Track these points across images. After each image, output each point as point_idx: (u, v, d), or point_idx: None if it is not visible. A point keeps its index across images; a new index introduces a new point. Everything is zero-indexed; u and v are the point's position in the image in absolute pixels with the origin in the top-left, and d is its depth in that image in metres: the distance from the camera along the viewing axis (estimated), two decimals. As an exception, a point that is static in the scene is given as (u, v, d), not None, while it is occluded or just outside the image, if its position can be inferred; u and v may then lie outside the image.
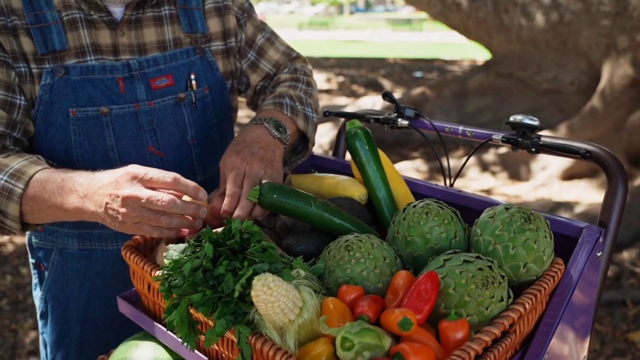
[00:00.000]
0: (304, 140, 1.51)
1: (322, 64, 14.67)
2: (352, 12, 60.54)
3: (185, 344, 0.90)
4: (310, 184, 1.29)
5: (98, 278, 1.47)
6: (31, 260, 1.56)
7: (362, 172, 1.20)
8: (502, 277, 0.91)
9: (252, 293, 0.80)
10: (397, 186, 1.23)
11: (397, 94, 7.82)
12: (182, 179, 1.07)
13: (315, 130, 1.53)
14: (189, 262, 0.88)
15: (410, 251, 1.01)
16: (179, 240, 1.11)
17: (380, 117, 1.44)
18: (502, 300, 0.89)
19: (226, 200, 1.17)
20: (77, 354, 1.50)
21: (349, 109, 1.52)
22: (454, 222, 1.02)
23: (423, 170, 5.71)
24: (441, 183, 1.35)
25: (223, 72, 1.51)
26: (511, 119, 1.23)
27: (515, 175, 5.69)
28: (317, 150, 6.07)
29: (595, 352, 3.11)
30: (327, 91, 10.54)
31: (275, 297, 0.81)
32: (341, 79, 11.67)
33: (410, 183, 1.29)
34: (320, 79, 11.96)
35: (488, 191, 5.41)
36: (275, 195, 1.08)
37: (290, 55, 1.66)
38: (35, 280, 1.57)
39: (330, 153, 1.62)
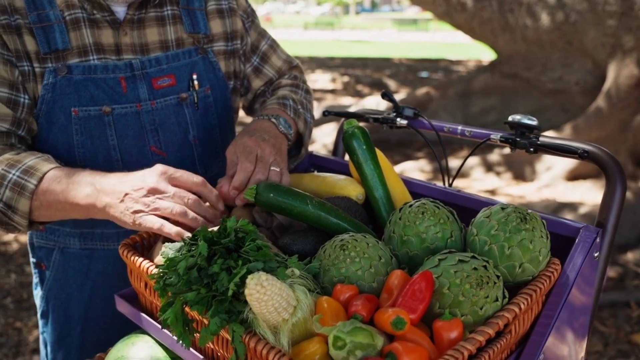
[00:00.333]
0: (298, 145, 1.54)
1: (328, 64, 14.67)
2: (358, 12, 60.50)
3: (180, 342, 0.91)
4: (307, 183, 1.29)
5: (99, 277, 1.48)
6: (32, 260, 1.57)
7: (360, 172, 1.20)
8: (497, 277, 0.91)
9: (246, 292, 0.80)
10: (395, 186, 1.23)
11: (402, 94, 7.80)
12: (209, 185, 1.13)
13: (310, 135, 1.56)
14: (183, 261, 0.88)
15: (406, 251, 1.01)
16: None
17: (379, 116, 1.44)
18: (497, 300, 0.89)
19: (237, 176, 1.18)
20: (78, 353, 1.51)
21: (352, 109, 1.53)
22: (450, 222, 1.02)
23: (427, 170, 5.70)
24: (442, 183, 1.35)
25: (225, 73, 1.51)
26: (510, 118, 1.23)
27: (520, 175, 5.67)
28: (321, 150, 6.09)
29: (599, 354, 3.10)
30: (332, 91, 10.54)
31: (269, 296, 0.81)
32: (346, 79, 11.67)
33: (407, 182, 1.29)
34: (325, 79, 11.96)
35: (492, 191, 5.39)
36: (271, 194, 1.08)
37: (291, 64, 1.69)
38: (36, 279, 1.57)
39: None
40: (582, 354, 1.13)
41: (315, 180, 1.30)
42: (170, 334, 0.98)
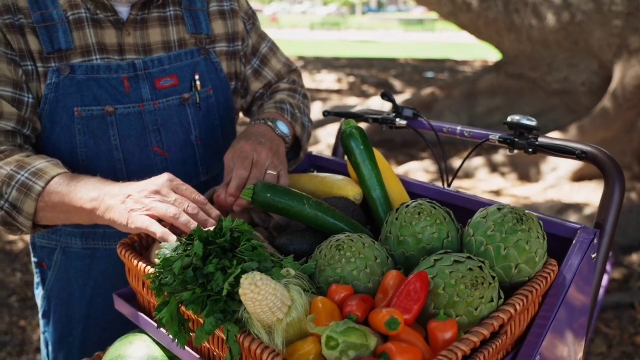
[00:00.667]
0: (296, 148, 1.55)
1: (333, 64, 14.67)
2: (364, 12, 60.47)
3: (176, 341, 0.91)
4: (305, 183, 1.30)
5: (101, 277, 1.49)
6: (33, 259, 1.57)
7: (357, 172, 1.20)
8: (493, 277, 0.91)
9: (240, 291, 0.80)
10: (392, 186, 1.23)
11: (407, 95, 7.79)
12: (210, 205, 1.13)
13: (308, 140, 1.57)
14: (179, 260, 0.88)
15: (402, 251, 1.01)
16: None
17: (379, 117, 1.44)
18: (492, 300, 0.89)
19: (232, 183, 1.19)
20: (80, 353, 1.51)
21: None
22: (446, 222, 1.01)
23: (431, 170, 5.69)
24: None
25: (227, 73, 1.52)
26: (509, 119, 1.23)
27: (525, 176, 5.65)
28: (325, 149, 6.08)
29: (602, 355, 3.09)
30: (337, 91, 10.53)
31: (263, 296, 0.81)
32: (352, 79, 11.66)
33: (405, 183, 1.29)
34: (330, 79, 11.96)
35: (497, 192, 5.38)
36: (268, 194, 1.08)
37: (290, 67, 1.70)
38: (37, 279, 1.58)
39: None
40: (580, 354, 1.13)
41: (313, 180, 1.30)
42: (167, 333, 0.98)
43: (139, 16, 1.38)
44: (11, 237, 4.58)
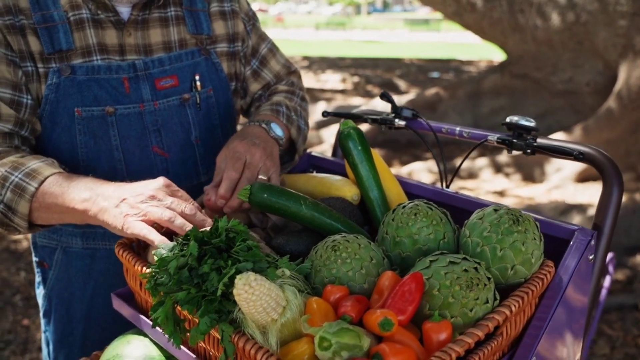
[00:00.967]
0: (291, 151, 1.55)
1: (338, 64, 14.66)
2: (370, 12, 60.43)
3: (171, 341, 0.91)
4: (303, 184, 1.30)
5: (101, 277, 1.49)
6: (34, 259, 1.58)
7: (355, 173, 1.20)
8: (488, 279, 0.90)
9: (234, 291, 0.80)
10: (390, 186, 1.23)
11: (412, 95, 7.78)
12: (203, 212, 1.12)
13: (304, 142, 1.57)
14: (174, 260, 0.89)
15: (399, 252, 1.01)
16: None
17: (378, 117, 1.44)
18: (487, 302, 0.89)
19: (223, 184, 1.19)
20: (81, 352, 1.52)
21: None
22: (443, 223, 1.01)
23: (435, 171, 5.68)
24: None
25: (227, 74, 1.52)
26: (507, 119, 1.23)
27: (529, 176, 5.64)
28: (329, 150, 6.08)
29: (605, 357, 3.07)
30: (342, 91, 10.53)
31: (257, 296, 0.81)
32: (356, 79, 11.66)
33: (404, 183, 1.29)
34: (335, 79, 11.96)
35: (501, 193, 5.36)
36: (265, 195, 1.08)
37: (290, 69, 1.70)
38: (38, 278, 1.58)
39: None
40: (578, 355, 1.13)
41: (311, 180, 1.30)
42: (163, 333, 0.99)
43: (140, 17, 1.38)
44: (15, 236, 4.60)
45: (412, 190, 1.29)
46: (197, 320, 0.88)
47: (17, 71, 1.30)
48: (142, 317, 1.10)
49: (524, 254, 0.94)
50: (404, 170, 5.85)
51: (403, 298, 0.86)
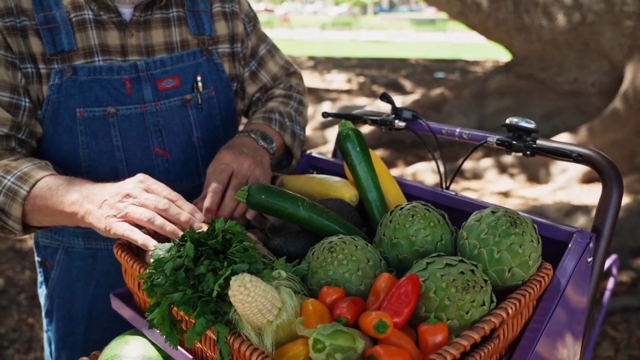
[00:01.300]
0: (289, 155, 1.55)
1: (344, 64, 14.66)
2: (376, 12, 60.37)
3: (168, 342, 0.92)
4: (302, 185, 1.30)
5: (103, 277, 1.49)
6: (37, 259, 1.59)
7: (353, 174, 1.20)
8: (485, 281, 0.90)
9: (230, 293, 0.80)
10: (389, 188, 1.23)
11: (417, 95, 7.77)
12: (182, 200, 1.12)
13: (300, 147, 1.57)
14: (170, 261, 0.89)
15: (396, 254, 1.01)
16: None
17: (378, 118, 1.44)
18: (483, 304, 0.88)
19: (207, 197, 1.20)
20: (82, 352, 1.52)
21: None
22: (440, 225, 1.01)
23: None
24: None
25: (229, 75, 1.52)
26: (507, 121, 1.22)
27: (534, 177, 5.62)
28: (331, 151, 6.08)
29: (609, 359, 3.06)
30: (347, 91, 10.53)
31: (253, 298, 0.81)
32: (362, 79, 11.65)
33: (403, 185, 1.29)
34: (341, 79, 11.96)
35: (505, 193, 5.35)
36: (263, 196, 1.08)
37: (288, 70, 1.69)
38: (40, 278, 1.59)
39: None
40: (577, 358, 1.12)
41: (310, 181, 1.30)
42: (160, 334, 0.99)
43: (142, 17, 1.38)
44: (19, 236, 4.63)
45: (411, 191, 1.28)
46: (193, 321, 0.88)
47: (16, 74, 1.31)
48: (141, 317, 1.10)
49: (521, 256, 0.94)
50: (408, 171, 5.85)
51: (399, 300, 0.86)
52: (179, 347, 0.99)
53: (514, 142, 1.19)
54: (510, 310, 0.88)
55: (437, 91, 7.24)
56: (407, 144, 6.84)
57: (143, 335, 1.12)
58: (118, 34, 1.36)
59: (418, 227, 1.00)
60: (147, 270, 0.93)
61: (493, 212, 0.98)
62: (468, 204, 1.20)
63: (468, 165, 5.88)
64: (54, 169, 1.31)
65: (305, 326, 0.83)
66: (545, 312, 0.98)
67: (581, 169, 5.20)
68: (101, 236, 1.45)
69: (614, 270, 2.57)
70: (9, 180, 1.22)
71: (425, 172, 5.63)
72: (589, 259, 1.04)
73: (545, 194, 5.20)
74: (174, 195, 1.12)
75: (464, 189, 5.53)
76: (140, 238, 1.05)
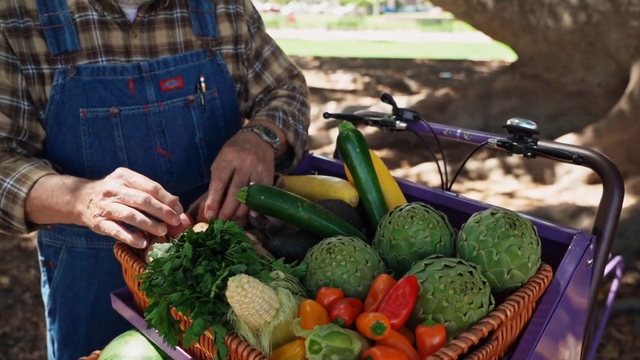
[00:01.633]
0: (291, 155, 1.55)
1: (349, 64, 14.65)
2: (382, 12, 60.29)
3: (166, 342, 0.92)
4: (302, 186, 1.30)
5: (105, 277, 1.50)
6: (40, 258, 1.59)
7: (353, 175, 1.20)
8: (484, 283, 0.90)
9: (227, 294, 0.81)
10: (389, 189, 1.22)
11: (422, 95, 7.76)
12: (163, 190, 1.13)
13: (302, 147, 1.57)
14: (169, 262, 0.89)
15: (395, 255, 1.00)
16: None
17: (379, 119, 1.44)
18: (482, 306, 0.88)
19: (209, 195, 1.20)
20: (84, 351, 1.53)
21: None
22: (439, 227, 1.01)
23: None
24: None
25: (232, 76, 1.52)
26: (508, 122, 1.22)
27: (539, 178, 5.60)
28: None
29: (613, 361, 3.04)
30: (352, 91, 10.52)
31: (250, 298, 0.81)
32: (367, 79, 11.64)
33: (403, 186, 1.29)
34: (346, 79, 11.96)
35: (510, 194, 5.33)
36: (262, 197, 1.08)
37: (292, 72, 1.69)
38: (44, 277, 1.60)
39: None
40: (577, 361, 1.12)
41: (310, 182, 1.30)
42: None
43: (146, 18, 1.39)
44: (27, 235, 4.65)
45: (411, 192, 1.28)
46: (191, 322, 0.88)
47: (16, 76, 1.32)
48: (140, 317, 1.10)
49: (520, 258, 0.94)
50: (412, 171, 5.84)
51: (397, 301, 0.86)
52: (178, 347, 1.00)
53: (514, 143, 1.19)
54: (508, 312, 0.88)
55: (442, 91, 7.23)
56: (411, 145, 6.83)
57: (143, 335, 1.12)
58: (122, 34, 1.37)
59: (417, 228, 0.99)
60: (146, 271, 0.94)
61: (492, 214, 0.98)
62: (469, 206, 1.19)
63: (473, 165, 5.87)
64: (52, 167, 1.33)
65: (303, 327, 0.83)
66: (544, 314, 0.97)
67: (587, 170, 5.18)
68: (103, 236, 1.47)
69: (618, 272, 2.56)
70: (8, 183, 1.25)
71: (430, 173, 5.63)
72: (589, 261, 1.04)
73: (550, 195, 5.18)
74: (153, 186, 1.12)
75: (468, 189, 5.52)
76: (128, 237, 1.07)
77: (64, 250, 1.51)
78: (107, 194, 1.11)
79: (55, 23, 1.32)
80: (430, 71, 13.01)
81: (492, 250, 0.94)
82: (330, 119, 7.04)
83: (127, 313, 1.15)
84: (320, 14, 62.99)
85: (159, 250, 0.97)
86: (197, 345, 0.99)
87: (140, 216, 1.07)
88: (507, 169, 5.75)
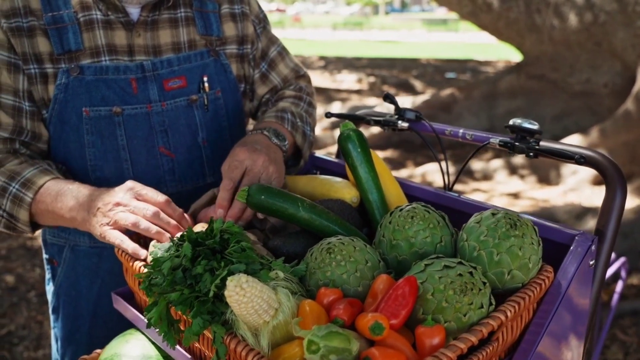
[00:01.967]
0: (297, 156, 1.55)
1: (354, 64, 14.64)
2: (388, 12, 60.22)
3: (165, 341, 0.92)
4: (304, 185, 1.30)
5: (108, 275, 1.50)
6: (45, 256, 1.60)
7: (354, 174, 1.20)
8: (484, 283, 0.89)
9: (226, 293, 0.81)
10: (390, 189, 1.22)
11: (427, 95, 7.74)
12: (173, 204, 1.18)
13: (310, 148, 1.58)
14: (168, 261, 0.89)
15: (395, 255, 1.00)
16: None
17: (381, 119, 1.43)
18: (482, 307, 0.88)
19: (220, 193, 1.20)
20: (87, 349, 1.53)
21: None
22: (440, 227, 1.01)
23: (451, 172, 5.64)
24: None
25: (236, 76, 1.52)
26: (510, 122, 1.21)
27: (545, 179, 5.57)
28: (343, 150, 6.08)
29: (618, 363, 3.03)
30: (358, 92, 10.52)
31: (249, 298, 0.81)
32: (372, 79, 11.63)
33: (405, 186, 1.28)
34: (351, 79, 11.95)
35: (515, 195, 5.31)
36: (263, 197, 1.08)
37: (298, 73, 1.69)
38: (48, 275, 1.61)
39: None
40: (579, 362, 1.11)
41: (312, 182, 1.30)
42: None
43: (150, 18, 1.39)
44: (31, 235, 4.67)
45: (413, 192, 1.28)
46: (190, 321, 0.88)
47: (17, 77, 1.33)
48: (141, 316, 1.10)
49: (521, 258, 0.93)
50: (417, 172, 5.83)
51: (396, 302, 0.86)
52: (178, 347, 1.00)
53: (516, 143, 1.19)
54: (509, 313, 0.87)
55: (447, 91, 7.21)
56: (416, 145, 6.82)
57: (143, 334, 1.12)
58: (125, 33, 1.37)
59: (417, 228, 0.99)
60: (146, 270, 0.94)
61: (493, 214, 0.97)
62: (471, 206, 1.19)
63: (478, 166, 5.86)
64: (56, 167, 1.36)
65: (302, 327, 0.83)
66: (545, 315, 0.97)
67: (593, 170, 5.14)
68: (106, 235, 1.48)
69: (623, 273, 2.55)
70: (13, 187, 1.28)
71: (435, 173, 5.62)
72: (591, 262, 1.03)
73: (555, 196, 5.16)
74: (163, 199, 1.17)
75: (473, 190, 5.51)
76: (130, 247, 1.11)
77: (68, 249, 1.52)
78: (117, 205, 1.15)
79: (59, 22, 1.33)
80: (435, 71, 12.98)
81: (493, 250, 0.93)
82: (336, 119, 7.04)
83: (127, 312, 1.15)
84: (325, 14, 62.97)
85: (159, 249, 0.97)
86: (196, 344, 0.99)
87: (145, 223, 1.12)
88: (512, 170, 5.73)
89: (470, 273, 0.89)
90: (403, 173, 5.99)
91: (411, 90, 10.32)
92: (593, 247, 1.02)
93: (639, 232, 3.92)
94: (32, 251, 4.39)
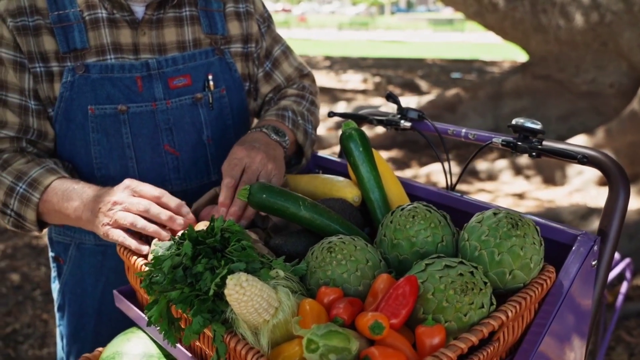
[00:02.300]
0: (299, 154, 1.55)
1: (360, 64, 14.64)
2: (393, 12, 60.16)
3: (166, 339, 0.92)
4: (305, 185, 1.30)
5: (112, 273, 1.51)
6: (50, 254, 1.61)
7: (356, 174, 1.20)
8: (485, 283, 0.89)
9: (225, 292, 0.81)
10: (392, 188, 1.22)
11: (432, 95, 7.73)
12: (168, 195, 1.19)
13: (311, 146, 1.58)
14: (168, 260, 0.89)
15: (396, 254, 1.00)
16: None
17: (384, 118, 1.43)
18: (482, 307, 0.87)
19: (221, 192, 1.21)
20: (92, 347, 1.54)
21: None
22: (441, 226, 1.00)
23: (454, 172, 5.62)
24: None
25: (241, 74, 1.53)
26: (513, 122, 1.21)
27: (550, 179, 5.55)
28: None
29: (623, 364, 3.01)
30: (363, 91, 10.51)
31: (249, 297, 0.81)
32: (378, 79, 11.62)
33: (407, 186, 1.28)
34: (356, 79, 11.94)
35: (520, 195, 5.29)
36: (264, 195, 1.08)
37: (302, 72, 1.69)
38: (54, 273, 1.62)
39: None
40: (581, 363, 1.10)
41: (313, 181, 1.30)
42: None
43: (155, 16, 1.40)
44: (37, 233, 4.69)
45: (415, 192, 1.28)
46: (191, 319, 0.88)
47: (23, 75, 1.34)
48: (142, 315, 1.11)
49: (522, 258, 0.93)
50: (422, 172, 5.82)
51: (397, 301, 0.86)
52: (178, 345, 1.00)
53: (519, 143, 1.18)
54: (510, 313, 0.87)
55: (452, 92, 7.19)
56: (421, 145, 6.81)
57: (145, 332, 1.13)
58: (130, 32, 1.38)
59: (419, 228, 0.99)
60: (146, 268, 0.94)
61: (495, 214, 0.97)
62: (473, 206, 1.18)
63: (483, 166, 5.84)
64: (62, 165, 1.38)
65: (302, 326, 0.83)
66: (547, 315, 0.96)
67: (598, 170, 5.12)
68: (110, 234, 1.48)
69: (628, 274, 2.53)
70: (20, 187, 1.30)
71: (439, 173, 5.60)
72: (593, 262, 1.02)
73: (561, 196, 5.14)
74: (158, 192, 1.19)
75: (478, 190, 5.49)
76: (133, 244, 1.14)
77: (73, 247, 1.53)
78: (115, 204, 1.17)
79: (65, 21, 1.34)
80: (441, 71, 12.96)
81: (494, 250, 0.93)
82: (340, 119, 7.04)
83: (129, 310, 1.16)
84: (331, 14, 62.96)
85: (160, 248, 0.97)
86: (197, 343, 0.99)
87: (142, 222, 1.14)
88: (517, 170, 5.72)
89: (471, 273, 0.89)
90: (407, 173, 5.98)
91: (416, 90, 10.30)
92: (595, 248, 1.02)
93: (644, 233, 3.89)
94: (37, 250, 4.41)
